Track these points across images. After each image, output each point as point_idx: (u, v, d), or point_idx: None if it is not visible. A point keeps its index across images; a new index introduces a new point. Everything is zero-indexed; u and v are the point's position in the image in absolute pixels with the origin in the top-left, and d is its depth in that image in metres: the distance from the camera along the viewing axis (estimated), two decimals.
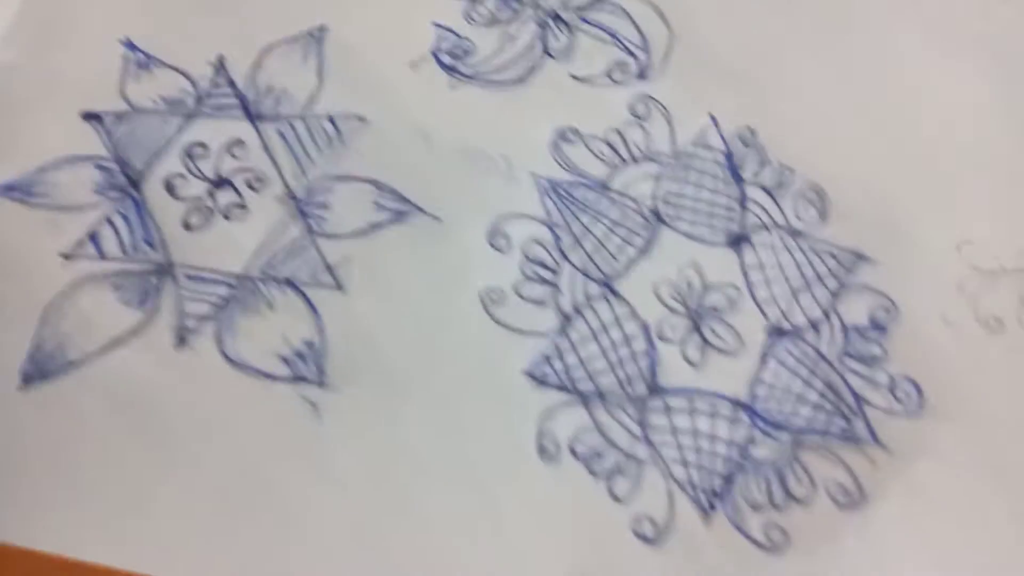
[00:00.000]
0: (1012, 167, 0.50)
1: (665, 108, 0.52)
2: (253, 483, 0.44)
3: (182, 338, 0.46)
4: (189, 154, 0.50)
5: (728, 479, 0.44)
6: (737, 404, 0.46)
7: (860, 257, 0.49)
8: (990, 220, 0.49)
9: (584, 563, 0.42)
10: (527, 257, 0.48)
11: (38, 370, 0.45)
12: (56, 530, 0.43)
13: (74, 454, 0.44)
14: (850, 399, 0.46)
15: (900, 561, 0.43)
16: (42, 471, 0.43)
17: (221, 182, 0.50)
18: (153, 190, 0.50)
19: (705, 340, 0.47)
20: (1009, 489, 0.44)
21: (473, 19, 0.54)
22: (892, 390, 0.46)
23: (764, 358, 0.47)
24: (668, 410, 0.46)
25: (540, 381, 0.46)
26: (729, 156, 0.51)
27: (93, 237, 0.48)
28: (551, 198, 0.50)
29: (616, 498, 0.44)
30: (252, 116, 0.51)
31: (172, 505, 0.43)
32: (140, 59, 0.52)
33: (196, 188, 0.50)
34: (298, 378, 0.46)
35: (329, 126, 0.51)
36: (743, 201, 0.50)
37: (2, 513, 0.43)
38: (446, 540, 0.43)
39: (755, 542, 0.43)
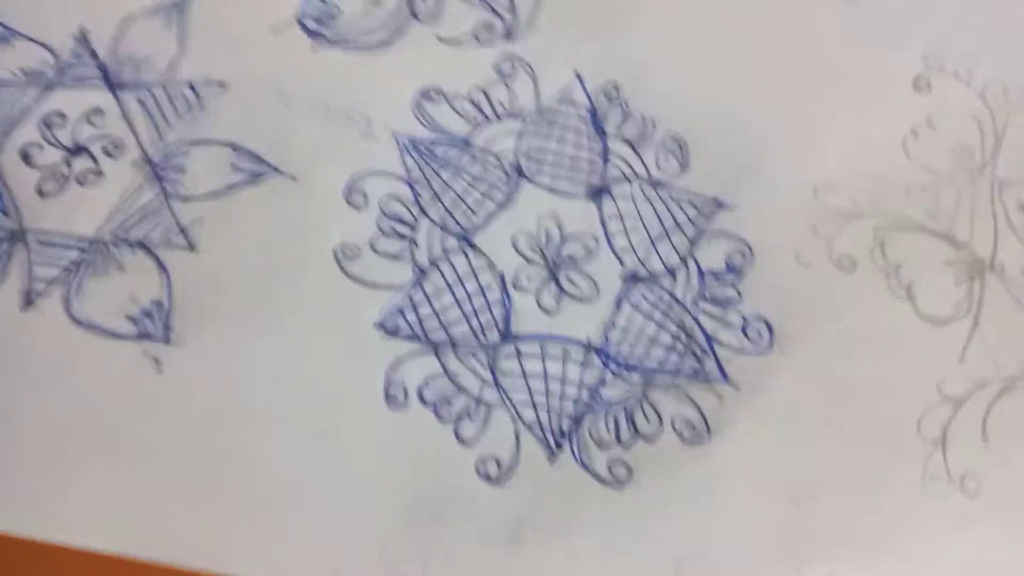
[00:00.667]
0: (866, 110, 0.51)
1: (530, 66, 0.53)
2: (94, 430, 0.44)
3: (29, 300, 0.46)
4: (46, 123, 0.51)
5: (576, 419, 0.45)
6: (589, 348, 0.46)
7: (718, 204, 0.49)
8: (846, 163, 0.50)
9: (425, 502, 0.42)
10: (384, 213, 0.49)
11: None
12: None
13: None
14: (702, 340, 0.46)
15: (736, 489, 0.43)
16: None
17: (78, 149, 0.50)
18: (8, 159, 0.50)
19: (561, 288, 0.47)
20: (836, 407, 0.44)
21: None
22: (744, 330, 0.46)
23: (619, 303, 0.47)
24: (519, 355, 0.46)
25: (391, 333, 0.46)
26: (593, 112, 0.52)
27: None
28: (411, 155, 0.50)
29: (462, 441, 0.44)
30: (112, 85, 0.52)
31: (11, 455, 0.43)
32: (1, 32, 0.53)
33: (52, 156, 0.50)
34: (143, 335, 0.46)
35: (189, 92, 0.52)
36: (605, 154, 0.51)
37: None
38: (287, 476, 0.43)
39: (598, 477, 0.43)
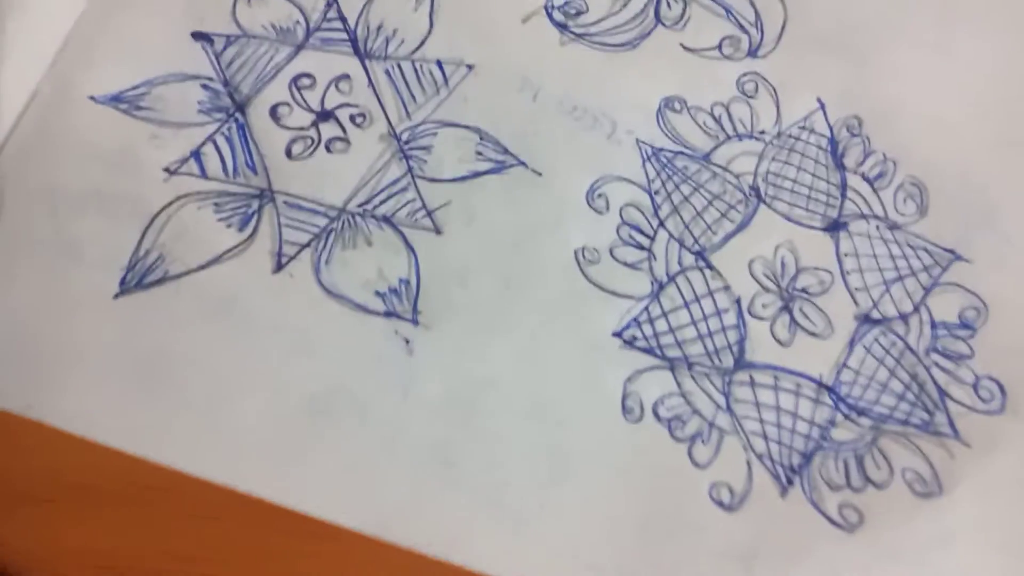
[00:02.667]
0: None
1: (773, 88, 0.54)
2: (340, 400, 0.44)
3: (279, 263, 0.49)
4: (296, 84, 0.53)
5: (807, 457, 0.47)
6: (821, 386, 0.48)
7: (955, 256, 0.51)
8: None
9: (657, 519, 0.44)
10: (624, 220, 0.51)
11: (136, 279, 0.48)
12: (140, 432, 0.44)
13: (165, 357, 0.45)
14: (934, 393, 0.49)
15: (969, 551, 0.46)
16: (130, 373, 0.46)
17: (326, 115, 0.53)
18: (258, 116, 0.52)
19: (795, 320, 0.50)
20: None
21: None
22: (976, 388, 0.49)
23: (851, 344, 0.49)
24: (753, 384, 0.48)
25: (629, 343, 0.49)
26: (833, 143, 0.54)
27: (196, 155, 0.51)
28: (652, 164, 0.52)
29: (696, 463, 0.46)
30: (360, 53, 0.54)
31: (257, 415, 0.45)
32: None
33: (301, 118, 0.52)
34: (391, 314, 0.49)
35: (437, 71, 0.54)
36: (843, 189, 0.53)
37: (89, 412, 0.46)
38: (519, 471, 0.44)
39: (829, 519, 0.45)
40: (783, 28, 0.52)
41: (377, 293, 0.45)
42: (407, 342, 0.44)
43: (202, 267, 0.45)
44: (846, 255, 0.47)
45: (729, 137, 0.49)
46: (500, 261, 0.45)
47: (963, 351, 0.46)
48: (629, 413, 0.43)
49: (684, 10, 0.52)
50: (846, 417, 0.44)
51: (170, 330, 0.43)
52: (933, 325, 0.46)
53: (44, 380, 0.43)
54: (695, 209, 0.48)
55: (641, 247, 0.47)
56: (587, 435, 0.43)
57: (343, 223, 0.46)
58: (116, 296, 0.44)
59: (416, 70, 0.50)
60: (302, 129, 0.48)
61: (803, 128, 0.50)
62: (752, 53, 0.51)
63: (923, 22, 0.52)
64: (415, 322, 0.44)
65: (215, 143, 0.47)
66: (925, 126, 0.50)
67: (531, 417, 0.43)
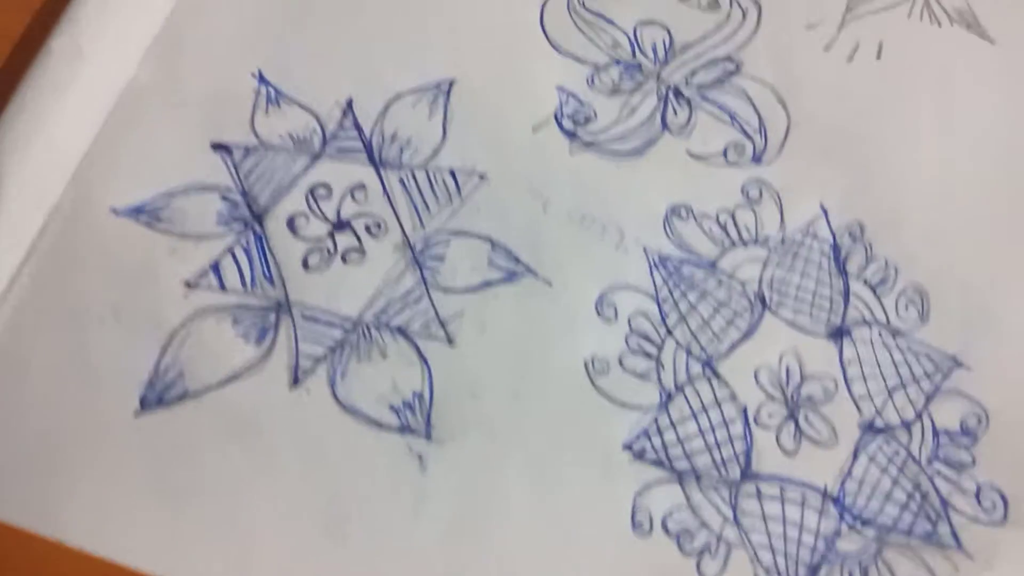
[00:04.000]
0: None
1: (777, 194, 0.55)
2: (354, 515, 0.44)
3: (296, 378, 0.50)
4: (313, 194, 0.54)
5: (813, 569, 0.47)
6: (827, 496, 0.48)
7: (956, 362, 0.52)
8: None
9: None
10: (632, 329, 0.52)
11: (156, 397, 0.48)
12: (159, 549, 0.44)
13: (184, 478, 0.45)
14: (936, 503, 0.49)
15: None
16: (149, 494, 0.46)
17: (342, 225, 0.53)
18: (276, 226, 0.52)
19: (800, 429, 0.50)
20: None
21: (595, 86, 0.57)
22: (978, 497, 0.49)
23: (856, 453, 0.49)
24: (760, 495, 0.48)
25: (638, 455, 0.49)
26: (836, 248, 0.54)
27: (215, 268, 0.51)
28: (660, 272, 0.53)
29: None
30: (376, 162, 0.55)
31: (275, 528, 0.44)
32: (270, 93, 0.55)
33: (317, 228, 0.53)
34: (405, 428, 0.49)
35: (450, 180, 0.54)
36: (846, 295, 0.53)
37: (109, 531, 0.46)
38: None
39: None
40: (786, 134, 0.52)
41: (391, 407, 0.45)
42: (420, 459, 0.44)
43: (221, 384, 0.44)
44: (849, 362, 0.47)
45: (734, 244, 0.49)
46: (511, 373, 0.45)
47: (965, 459, 0.46)
48: (639, 527, 0.43)
49: (690, 117, 0.52)
50: (851, 528, 0.44)
51: (190, 449, 0.43)
52: (935, 433, 0.46)
53: (63, 498, 0.44)
54: (702, 317, 0.48)
55: (649, 356, 0.47)
56: (597, 551, 0.43)
57: (358, 335, 0.46)
58: (137, 414, 0.43)
59: (430, 179, 0.50)
60: (319, 240, 0.48)
61: (806, 234, 0.50)
62: (756, 159, 0.51)
63: (925, 133, 0.52)
64: (428, 437, 0.44)
65: (233, 255, 0.48)
66: (926, 233, 0.50)
67: (542, 535, 0.42)
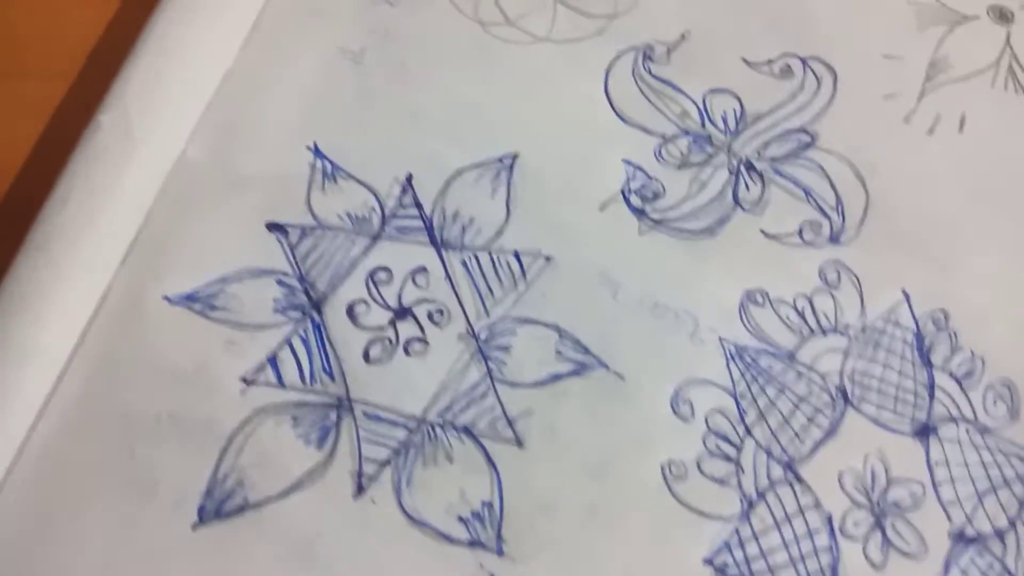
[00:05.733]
0: None
1: (857, 277, 0.49)
2: None
3: (360, 486, 0.44)
4: (373, 279, 0.47)
5: None
6: None
7: None
8: None
9: None
10: (710, 428, 0.46)
11: (215, 508, 0.42)
12: None
13: None
14: None
15: None
16: None
17: (403, 312, 0.47)
18: (335, 315, 0.46)
19: (887, 539, 0.44)
20: None
21: (664, 159, 0.51)
22: None
23: (947, 566, 0.44)
24: None
25: (720, 571, 0.43)
26: (919, 337, 0.48)
27: (273, 362, 0.45)
28: (737, 365, 0.47)
29: None
30: (437, 243, 0.49)
31: None
32: (327, 168, 0.49)
33: (378, 317, 0.46)
34: (475, 543, 0.43)
35: (514, 262, 0.48)
36: (931, 388, 0.47)
37: None
38: None
39: None
40: (865, 213, 0.46)
41: (460, 518, 0.39)
42: None
43: (283, 494, 0.39)
44: (937, 464, 0.42)
45: (813, 332, 0.44)
46: (586, 482, 0.40)
47: None
48: None
49: (763, 192, 0.46)
50: None
51: (249, 569, 0.38)
52: None
53: None
54: (782, 415, 0.42)
55: (729, 459, 0.41)
56: None
57: (423, 436, 0.41)
58: (195, 527, 0.38)
59: (494, 262, 0.44)
60: (380, 329, 0.42)
61: (888, 321, 0.44)
62: (834, 239, 0.46)
63: (1012, 214, 0.46)
64: (500, 552, 0.39)
65: (291, 347, 0.42)
66: (1015, 326, 0.44)
67: None
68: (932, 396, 0.42)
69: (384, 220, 0.44)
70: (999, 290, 0.46)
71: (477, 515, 0.39)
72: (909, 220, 0.45)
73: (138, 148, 0.43)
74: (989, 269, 0.44)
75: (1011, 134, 0.47)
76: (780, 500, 0.40)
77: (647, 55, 0.48)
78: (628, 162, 0.46)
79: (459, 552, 0.38)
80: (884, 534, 0.40)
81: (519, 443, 0.40)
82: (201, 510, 0.39)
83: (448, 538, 0.39)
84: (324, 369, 0.41)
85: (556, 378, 0.41)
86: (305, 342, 0.42)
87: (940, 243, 0.45)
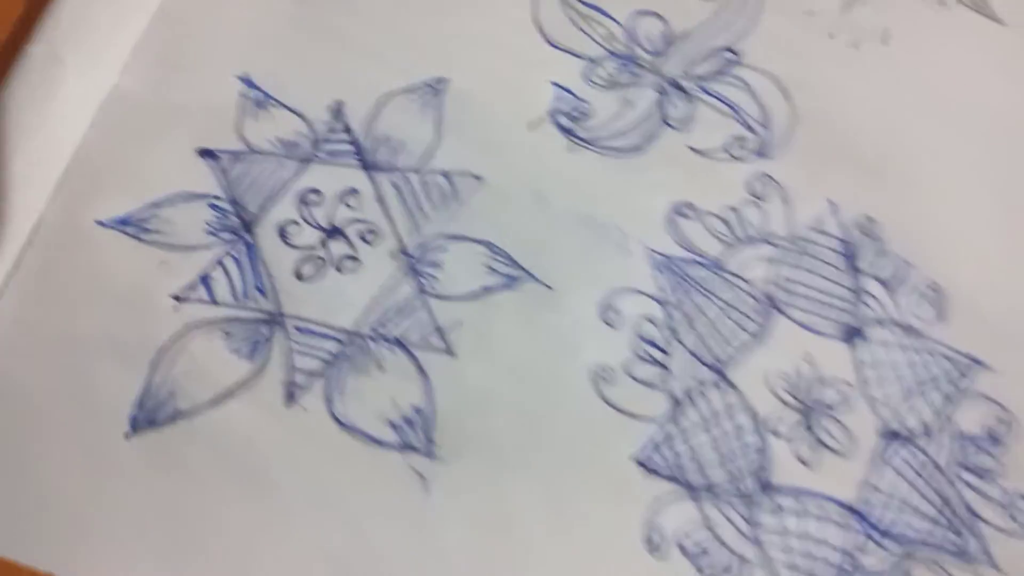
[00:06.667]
0: None
1: (783, 188, 0.49)
2: (356, 548, 0.39)
3: (291, 395, 0.44)
4: (304, 200, 0.48)
5: None
6: (849, 509, 0.43)
7: (977, 363, 0.46)
8: None
9: None
10: (639, 335, 0.46)
11: (147, 418, 0.42)
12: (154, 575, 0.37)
13: (178, 507, 0.39)
14: (964, 513, 0.43)
15: None
16: (144, 523, 0.40)
17: (334, 232, 0.47)
18: (267, 235, 0.46)
19: (817, 438, 0.44)
20: None
21: (592, 81, 0.51)
22: (1007, 507, 0.43)
23: (876, 462, 0.44)
24: (779, 510, 0.42)
25: (650, 469, 0.43)
26: (846, 244, 0.48)
27: (205, 280, 0.45)
28: (664, 274, 0.47)
29: None
30: (367, 165, 0.49)
31: (270, 555, 0.39)
32: (258, 97, 0.49)
33: (309, 236, 0.47)
34: (406, 446, 0.43)
35: (445, 182, 0.48)
36: (858, 293, 0.47)
37: (102, 559, 0.40)
38: None
39: None
40: (791, 127, 0.46)
41: (391, 424, 0.39)
42: (423, 478, 0.38)
43: (213, 402, 0.39)
44: (864, 364, 0.42)
45: (740, 241, 0.44)
46: (515, 385, 0.40)
47: (991, 466, 0.40)
48: (654, 549, 0.38)
49: (690, 110, 0.46)
50: (876, 544, 0.39)
51: (183, 476, 0.38)
52: (959, 439, 0.41)
53: (57, 530, 0.39)
54: (709, 320, 0.42)
55: (656, 363, 0.41)
56: (613, 574, 0.37)
57: (355, 348, 0.41)
58: (128, 437, 0.38)
59: (424, 182, 0.44)
60: (311, 248, 0.42)
61: (815, 230, 0.44)
62: (761, 153, 0.46)
63: (936, 122, 0.47)
64: (431, 455, 0.39)
65: (224, 266, 0.42)
66: (942, 229, 0.44)
67: (554, 560, 0.37)
68: (860, 301, 0.42)
69: (315, 144, 0.44)
70: (925, 195, 0.47)
71: (408, 420, 0.39)
72: (836, 132, 0.46)
73: (68, 79, 0.43)
74: (915, 176, 0.45)
75: (935, 45, 0.48)
76: (708, 401, 0.40)
77: None
78: (557, 84, 0.46)
79: (390, 455, 0.39)
80: (813, 433, 0.40)
81: (450, 352, 0.40)
82: (134, 420, 0.39)
83: (379, 442, 0.39)
84: (256, 286, 0.41)
85: (487, 290, 0.42)
86: (237, 261, 0.42)
87: (866, 153, 0.45)
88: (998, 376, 0.41)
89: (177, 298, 0.41)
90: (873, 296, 0.43)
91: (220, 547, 0.38)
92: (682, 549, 0.38)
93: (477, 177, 0.44)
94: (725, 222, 0.44)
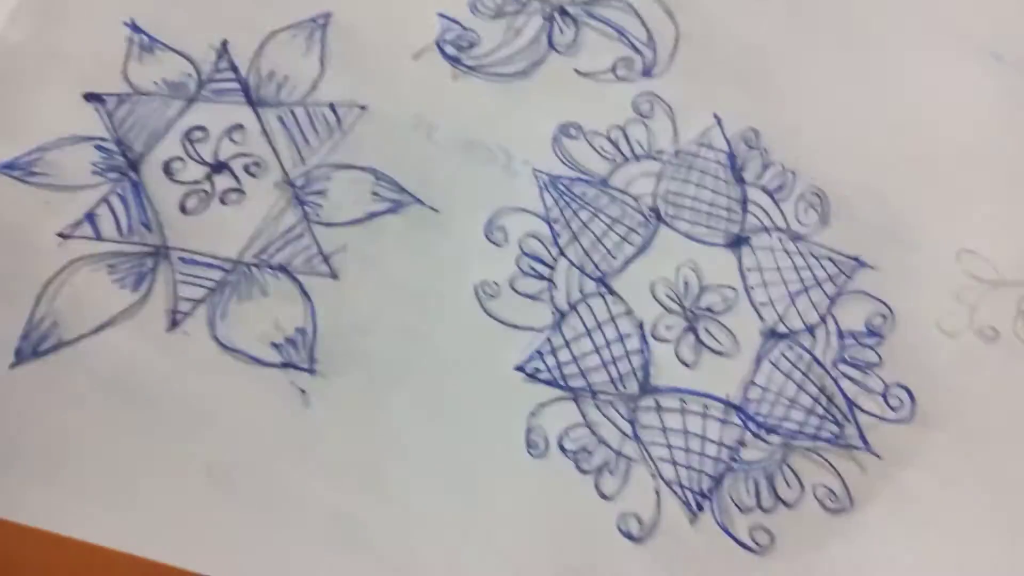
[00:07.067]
0: (1015, 178, 0.49)
1: (669, 106, 0.50)
2: (239, 465, 0.39)
3: (174, 321, 0.45)
4: (189, 138, 0.49)
5: (717, 480, 0.43)
6: (729, 406, 0.44)
7: (859, 263, 0.47)
8: (991, 230, 0.47)
9: (570, 559, 0.40)
10: (523, 251, 0.47)
11: (31, 348, 0.43)
12: (43, 506, 0.39)
13: (63, 432, 0.40)
14: (843, 404, 0.44)
15: (884, 567, 0.41)
16: (30, 448, 0.41)
17: (219, 167, 0.48)
18: (152, 173, 0.48)
19: (700, 341, 0.45)
20: (996, 498, 0.42)
21: (479, 10, 0.52)
22: (885, 396, 0.44)
23: (758, 360, 0.45)
24: (659, 409, 0.44)
25: (531, 376, 0.44)
26: (732, 157, 0.49)
27: (90, 218, 0.46)
28: (550, 193, 0.48)
29: (603, 495, 0.41)
30: (253, 101, 0.50)
31: (158, 485, 0.40)
32: (144, 41, 0.50)
33: (194, 172, 0.48)
34: (288, 364, 0.44)
35: (330, 114, 0.49)
36: (744, 203, 0.48)
37: None
38: (429, 532, 0.39)
39: (741, 543, 0.41)
40: (676, 46, 0.48)
41: (273, 344, 0.40)
42: (303, 392, 0.39)
43: (96, 331, 0.40)
44: (749, 270, 0.43)
45: (627, 159, 0.45)
46: (399, 305, 0.41)
47: (871, 359, 0.42)
48: (534, 448, 0.39)
49: (576, 35, 0.48)
50: (755, 436, 0.40)
51: (66, 402, 0.39)
52: (840, 335, 0.42)
53: None
54: (595, 235, 0.43)
55: (542, 277, 0.42)
56: (493, 476, 0.39)
57: (239, 275, 0.42)
58: (12, 367, 0.39)
59: (309, 114, 0.45)
60: (196, 183, 0.44)
61: (701, 144, 0.46)
62: (646, 73, 0.47)
63: (814, 41, 0.48)
64: (312, 371, 0.40)
65: (109, 204, 0.43)
66: (823, 138, 0.46)
67: (437, 470, 0.38)
68: (745, 210, 0.44)
69: (200, 84, 0.45)
70: (807, 105, 0.49)
71: (291, 340, 0.40)
72: (718, 48, 0.47)
73: None
74: (797, 86, 0.46)
75: None
76: (592, 310, 0.41)
77: None
78: (443, 15, 0.47)
79: (272, 373, 0.40)
80: (696, 336, 0.41)
81: (334, 275, 0.42)
82: (18, 351, 0.40)
83: (261, 362, 0.40)
84: (142, 222, 0.42)
85: (372, 216, 0.43)
86: (123, 199, 0.43)
87: (749, 67, 0.47)
88: (878, 273, 0.42)
89: (62, 235, 0.41)
90: (759, 205, 0.44)
91: (104, 467, 0.38)
92: (563, 449, 0.39)
93: (362, 107, 0.45)
94: (611, 141, 0.45)
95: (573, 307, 0.41)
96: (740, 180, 0.44)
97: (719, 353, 0.40)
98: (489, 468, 0.38)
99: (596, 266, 0.42)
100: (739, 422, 0.39)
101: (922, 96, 0.46)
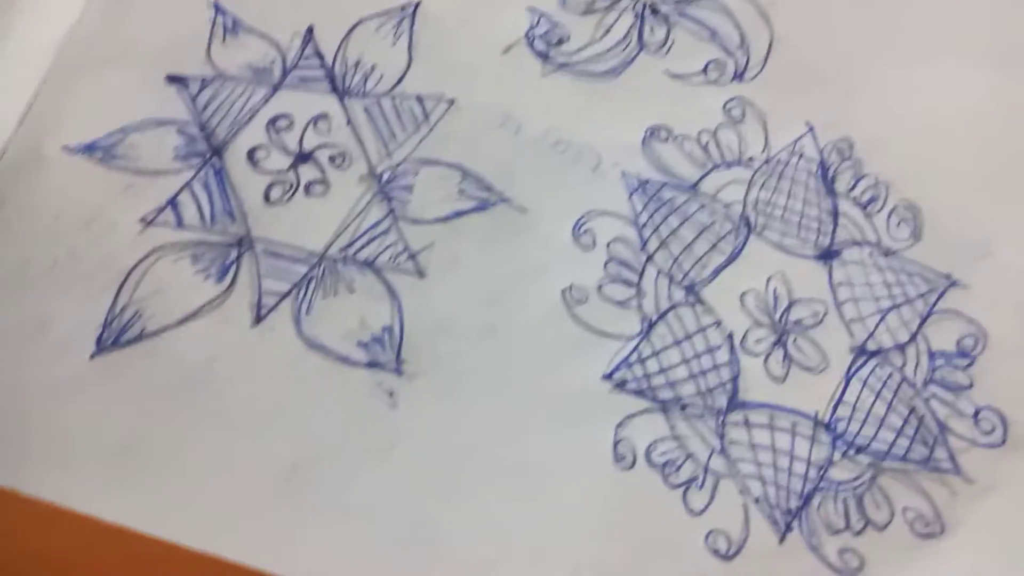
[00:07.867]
0: None
1: (761, 112, 0.51)
2: (321, 465, 0.40)
3: (259, 316, 0.46)
4: (273, 126, 0.49)
5: (805, 499, 0.44)
6: (818, 423, 0.45)
7: (951, 281, 0.48)
8: None
9: (653, 572, 0.42)
10: (611, 256, 0.48)
11: (113, 338, 0.44)
12: (119, 502, 0.40)
13: (141, 426, 0.41)
14: (933, 427, 0.45)
15: None
16: (109, 440, 0.42)
17: (304, 157, 0.49)
18: (235, 160, 0.48)
19: (789, 355, 0.46)
20: None
21: (568, 5, 0.53)
22: (977, 420, 0.45)
23: (847, 378, 0.46)
24: (748, 425, 0.45)
25: (619, 386, 0.45)
26: (823, 167, 0.50)
27: (173, 204, 0.47)
28: (639, 197, 0.49)
29: (691, 510, 0.43)
30: (338, 91, 0.51)
31: (238, 483, 0.41)
32: (228, 23, 0.51)
33: (279, 161, 0.49)
34: (374, 364, 0.45)
35: (417, 107, 0.50)
36: (835, 215, 0.49)
37: (67, 480, 0.43)
38: (507, 543, 0.40)
39: (829, 564, 0.42)
40: (769, 50, 0.48)
41: (360, 343, 0.41)
42: (390, 395, 0.40)
43: (180, 323, 0.41)
44: (840, 284, 0.44)
45: (717, 165, 0.46)
46: (485, 306, 0.42)
47: (962, 381, 0.42)
48: (621, 460, 0.40)
49: (668, 34, 0.48)
50: (844, 455, 0.41)
51: (149, 395, 0.40)
52: (931, 355, 0.43)
53: (24, 451, 0.40)
54: (684, 242, 0.44)
55: (629, 284, 0.43)
56: (578, 487, 0.39)
57: (324, 270, 0.43)
58: (92, 357, 0.40)
59: (396, 106, 0.46)
60: (280, 172, 0.44)
61: (792, 153, 0.46)
62: (738, 77, 0.48)
63: (912, 54, 0.48)
64: (399, 372, 0.41)
65: (192, 190, 0.44)
66: (918, 152, 0.46)
67: (519, 473, 0.39)
68: (836, 222, 0.44)
69: (285, 71, 0.46)
70: (902, 116, 0.48)
71: (377, 339, 0.41)
72: (812, 54, 0.47)
73: (24, 17, 0.44)
74: (892, 96, 0.46)
75: None
76: (680, 320, 0.42)
77: None
78: (532, 9, 0.47)
79: (358, 373, 0.40)
80: (785, 350, 0.42)
81: (420, 274, 0.42)
82: (99, 340, 0.40)
83: (347, 360, 0.40)
84: (225, 211, 0.43)
85: (459, 214, 0.43)
86: (206, 186, 0.43)
87: (843, 74, 0.47)
88: (970, 292, 0.43)
89: (144, 221, 0.42)
90: (849, 218, 0.45)
91: (182, 463, 0.39)
92: (649, 461, 0.40)
93: (450, 101, 0.45)
94: (701, 146, 0.46)
95: (662, 316, 0.42)
96: (831, 191, 0.44)
97: (808, 369, 0.41)
98: (574, 478, 0.39)
99: (685, 274, 0.43)
100: (828, 440, 0.40)
101: (1018, 114, 0.46)
